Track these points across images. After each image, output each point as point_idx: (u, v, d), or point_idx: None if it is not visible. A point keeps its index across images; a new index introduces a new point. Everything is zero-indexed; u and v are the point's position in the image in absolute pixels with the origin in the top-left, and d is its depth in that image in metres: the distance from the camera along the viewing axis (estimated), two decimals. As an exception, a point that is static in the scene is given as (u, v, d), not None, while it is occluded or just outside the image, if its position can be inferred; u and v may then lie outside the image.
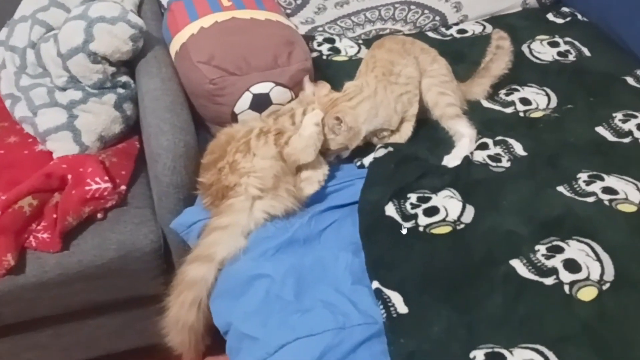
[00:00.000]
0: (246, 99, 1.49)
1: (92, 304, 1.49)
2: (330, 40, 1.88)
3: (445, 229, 1.26)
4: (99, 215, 1.43)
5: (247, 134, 1.36)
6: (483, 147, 1.49)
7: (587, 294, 1.11)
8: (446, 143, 1.52)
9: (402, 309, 1.10)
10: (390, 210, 1.30)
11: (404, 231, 1.26)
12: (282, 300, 1.15)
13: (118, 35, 1.49)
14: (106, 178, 1.41)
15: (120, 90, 1.57)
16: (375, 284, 1.14)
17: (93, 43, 1.48)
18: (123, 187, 1.47)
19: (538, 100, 1.66)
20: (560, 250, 1.20)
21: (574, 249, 1.20)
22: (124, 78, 1.59)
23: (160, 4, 1.86)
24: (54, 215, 1.37)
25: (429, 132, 1.56)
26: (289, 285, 1.17)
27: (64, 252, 1.38)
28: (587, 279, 1.14)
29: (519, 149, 1.49)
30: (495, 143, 1.51)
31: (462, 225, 1.27)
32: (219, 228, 1.26)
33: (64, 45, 1.50)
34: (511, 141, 1.51)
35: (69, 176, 1.41)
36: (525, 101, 1.65)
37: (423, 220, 1.28)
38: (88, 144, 1.51)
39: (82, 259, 1.39)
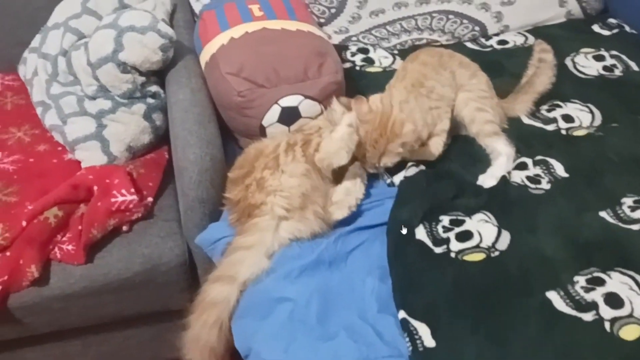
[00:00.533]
0: (275, 112, 1.45)
1: (121, 316, 1.48)
2: (364, 51, 1.84)
3: (478, 256, 1.20)
4: (125, 228, 1.41)
5: (275, 148, 1.33)
6: (522, 167, 1.42)
7: (630, 332, 1.04)
8: (482, 160, 1.46)
9: (429, 342, 1.05)
10: (421, 233, 1.25)
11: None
12: (305, 325, 1.11)
13: (148, 45, 1.47)
14: (132, 190, 1.40)
15: (150, 100, 1.56)
16: (402, 314, 1.09)
17: (123, 52, 1.46)
18: (150, 199, 1.45)
19: (581, 117, 1.58)
20: (601, 282, 1.13)
21: (616, 281, 1.13)
22: (154, 88, 1.57)
23: (193, 12, 1.85)
24: (79, 227, 1.36)
25: (465, 148, 1.50)
26: (313, 309, 1.13)
27: (90, 264, 1.37)
28: (631, 315, 1.07)
29: (560, 169, 1.42)
30: (535, 163, 1.44)
31: (496, 253, 1.21)
32: (243, 247, 1.23)
33: (93, 54, 1.49)
34: (552, 161, 1.44)
35: (95, 187, 1.40)
36: (567, 118, 1.58)
37: (455, 246, 1.22)
38: (116, 154, 1.50)
39: (107, 271, 1.37)
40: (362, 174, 1.37)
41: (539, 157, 1.45)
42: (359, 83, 1.70)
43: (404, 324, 1.08)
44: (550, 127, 1.55)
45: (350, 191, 1.31)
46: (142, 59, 1.48)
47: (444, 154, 1.47)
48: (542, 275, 1.16)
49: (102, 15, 1.66)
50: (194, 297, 1.27)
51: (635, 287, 1.12)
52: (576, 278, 1.14)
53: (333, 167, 1.28)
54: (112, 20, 1.51)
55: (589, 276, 1.14)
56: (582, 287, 1.12)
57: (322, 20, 1.85)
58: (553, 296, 1.11)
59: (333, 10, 1.84)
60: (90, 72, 1.52)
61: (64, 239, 1.36)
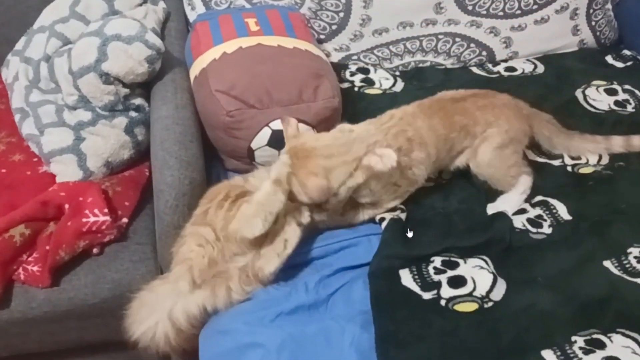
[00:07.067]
0: (265, 135, 1.37)
1: (85, 342, 1.39)
2: (364, 71, 1.75)
3: (470, 307, 1.11)
4: (95, 250, 1.31)
5: (215, 196, 1.23)
6: (520, 211, 1.33)
7: (632, 405, 0.96)
8: (480, 201, 1.37)
9: (410, 404, 0.96)
10: (407, 279, 1.15)
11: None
12: (275, 378, 1.02)
13: (133, 55, 1.39)
14: (106, 210, 1.30)
15: (133, 114, 1.47)
16: (383, 370, 1.00)
17: (106, 63, 1.38)
18: (124, 220, 1.36)
19: (589, 154, 1.49)
20: (601, 345, 1.04)
21: (618, 345, 1.04)
22: (138, 100, 1.48)
23: (187, 22, 1.76)
24: (47, 247, 1.27)
25: (464, 185, 1.41)
26: (284, 358, 1.04)
27: (54, 288, 1.27)
28: (633, 384, 0.98)
29: (563, 211, 1.34)
30: (533, 205, 1.35)
31: (490, 304, 1.12)
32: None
33: (75, 63, 1.41)
34: (553, 202, 1.35)
35: (67, 205, 1.31)
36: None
37: (446, 292, 1.14)
38: (93, 169, 1.41)
39: (73, 296, 1.28)
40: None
41: (538, 199, 1.36)
42: (357, 105, 1.61)
43: (385, 380, 0.99)
44: (556, 163, 1.47)
45: (274, 237, 1.14)
46: (126, 70, 1.39)
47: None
48: (538, 330, 1.08)
49: (91, 21, 1.57)
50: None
51: (638, 350, 1.03)
52: (574, 338, 1.06)
53: (247, 238, 1.10)
54: (97, 27, 1.42)
55: (588, 337, 1.06)
56: (580, 348, 1.04)
57: (322, 37, 1.76)
58: (548, 355, 1.03)
59: (334, 27, 1.75)
60: (71, 81, 1.43)
61: (30, 259, 1.27)
